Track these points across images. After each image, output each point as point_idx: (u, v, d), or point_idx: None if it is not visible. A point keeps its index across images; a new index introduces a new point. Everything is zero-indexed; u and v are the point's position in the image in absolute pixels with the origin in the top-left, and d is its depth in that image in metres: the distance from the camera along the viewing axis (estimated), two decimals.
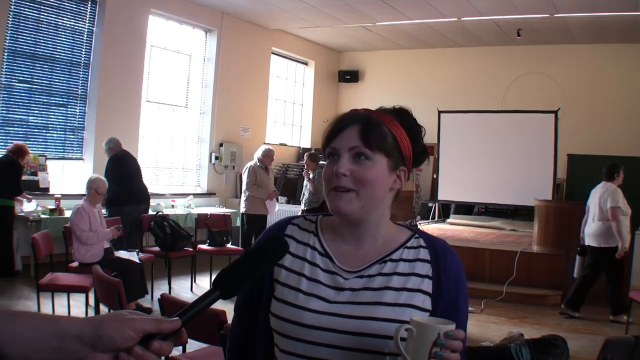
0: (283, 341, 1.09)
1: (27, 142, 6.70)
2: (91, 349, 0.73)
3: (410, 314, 1.06)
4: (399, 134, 1.13)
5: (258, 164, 7.04)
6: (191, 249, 6.15)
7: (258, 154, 7.09)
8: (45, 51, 6.89)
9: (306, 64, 11.75)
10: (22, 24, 6.65)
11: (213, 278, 0.86)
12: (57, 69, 7.05)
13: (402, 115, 1.17)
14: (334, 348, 1.04)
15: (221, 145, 9.31)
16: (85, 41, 7.29)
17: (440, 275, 1.11)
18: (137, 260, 4.99)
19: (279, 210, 8.70)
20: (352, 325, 1.04)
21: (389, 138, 1.11)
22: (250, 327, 1.19)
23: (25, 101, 6.81)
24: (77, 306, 4.93)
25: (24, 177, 6.30)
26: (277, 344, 1.11)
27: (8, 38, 6.48)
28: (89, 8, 7.28)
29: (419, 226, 7.40)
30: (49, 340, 0.72)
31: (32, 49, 6.77)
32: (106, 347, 0.73)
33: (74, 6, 7.13)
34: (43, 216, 6.22)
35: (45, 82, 6.95)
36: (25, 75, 6.76)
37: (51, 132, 7.11)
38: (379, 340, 1.02)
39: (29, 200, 6.22)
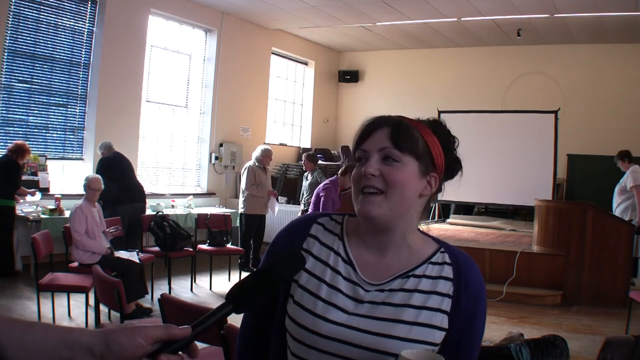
0: (296, 346, 1.08)
1: (27, 142, 6.69)
2: None
3: (426, 333, 1.04)
4: (431, 140, 1.11)
5: (257, 164, 7.03)
6: (191, 249, 6.15)
7: (256, 153, 7.09)
8: (45, 51, 6.89)
9: (306, 64, 11.75)
10: (22, 24, 6.64)
11: (222, 286, 0.85)
12: (57, 69, 7.05)
13: (435, 125, 1.16)
14: None
15: (221, 145, 9.31)
16: (85, 41, 7.29)
17: (460, 293, 1.09)
18: (137, 260, 4.99)
19: (280, 210, 8.71)
20: (369, 341, 1.03)
21: (420, 142, 1.09)
22: (262, 328, 1.18)
23: (25, 101, 6.80)
24: (77, 306, 4.93)
25: (24, 177, 6.30)
26: (289, 347, 1.10)
27: (8, 38, 6.48)
28: (89, 8, 7.27)
29: (418, 226, 7.39)
30: (60, 350, 0.72)
31: (32, 49, 6.77)
32: (116, 357, 0.72)
33: (74, 6, 7.13)
34: (43, 216, 6.22)
35: (45, 82, 6.95)
36: (25, 75, 6.76)
37: (51, 132, 7.11)
38: (393, 358, 1.01)
39: (33, 194, 6.21)
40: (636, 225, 6.46)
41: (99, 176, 5.09)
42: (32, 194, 6.22)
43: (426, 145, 1.10)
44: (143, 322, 0.79)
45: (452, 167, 1.17)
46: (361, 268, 1.11)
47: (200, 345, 2.81)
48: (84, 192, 5.03)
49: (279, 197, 9.19)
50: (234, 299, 0.85)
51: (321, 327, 1.05)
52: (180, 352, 0.77)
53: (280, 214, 8.70)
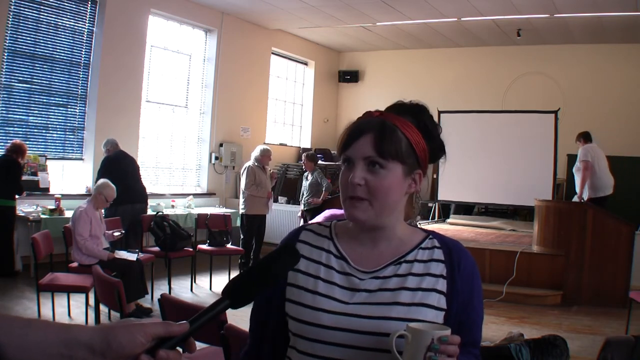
0: (302, 343, 1.11)
1: (27, 142, 6.69)
2: (101, 357, 0.72)
3: (425, 313, 1.08)
4: (414, 137, 1.13)
5: (256, 164, 7.02)
6: (191, 249, 6.14)
7: (255, 153, 7.07)
8: (45, 51, 6.89)
9: (306, 64, 11.75)
10: (22, 24, 6.64)
11: (222, 286, 0.86)
12: (57, 69, 7.05)
13: (419, 114, 1.17)
14: (352, 348, 1.06)
15: (221, 145, 9.31)
16: (85, 41, 7.29)
17: (455, 275, 1.13)
18: (137, 260, 4.98)
19: (280, 210, 8.71)
20: (369, 325, 1.06)
21: (403, 144, 1.11)
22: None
23: (25, 101, 6.80)
24: (77, 306, 4.93)
25: (24, 177, 6.29)
26: (295, 346, 1.13)
27: (8, 38, 6.48)
28: (89, 8, 7.27)
29: (418, 226, 7.39)
30: (59, 348, 0.72)
31: (32, 49, 6.77)
32: (116, 355, 0.73)
33: (74, 6, 7.13)
34: (43, 216, 6.22)
35: (45, 82, 6.94)
36: (25, 75, 6.76)
37: (51, 132, 7.10)
38: (401, 340, 1.03)
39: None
40: (577, 200, 6.94)
41: (114, 187, 5.06)
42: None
43: (410, 144, 1.12)
44: (143, 319, 0.80)
45: (436, 153, 1.19)
46: (354, 260, 1.15)
47: (200, 345, 2.81)
48: (86, 193, 5.01)
49: (280, 197, 9.20)
50: (231, 294, 0.85)
51: (321, 319, 1.08)
52: (177, 347, 0.78)
53: (281, 213, 8.71)
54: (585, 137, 7.26)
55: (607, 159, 7.40)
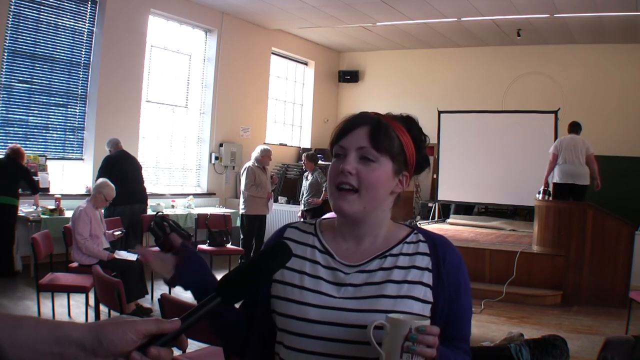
0: (289, 338, 1.11)
1: (27, 142, 6.71)
2: (92, 355, 0.72)
3: (411, 305, 1.08)
4: (406, 140, 1.16)
5: (256, 164, 7.02)
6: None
7: (256, 154, 7.08)
8: (45, 51, 6.89)
9: (306, 64, 11.75)
10: (22, 24, 6.64)
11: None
12: (57, 69, 7.05)
13: (410, 123, 1.20)
14: (338, 342, 1.07)
15: (221, 145, 9.31)
16: (85, 41, 7.29)
17: (440, 268, 1.13)
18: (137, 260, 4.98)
19: (280, 210, 8.71)
20: (355, 318, 1.07)
21: (395, 143, 1.14)
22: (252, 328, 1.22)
23: (25, 101, 6.80)
24: (77, 306, 4.93)
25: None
26: (282, 342, 1.13)
27: (8, 38, 6.48)
28: (89, 8, 7.27)
29: (419, 226, 7.38)
30: (50, 345, 0.72)
31: (32, 49, 6.77)
32: (107, 352, 0.72)
33: (74, 6, 7.13)
34: (43, 216, 6.22)
35: (45, 82, 6.94)
36: (25, 75, 6.76)
37: (51, 132, 7.10)
38: (382, 332, 1.03)
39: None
40: (542, 188, 7.02)
41: (113, 187, 5.06)
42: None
43: (401, 145, 1.15)
44: (134, 317, 0.80)
45: (422, 165, 1.21)
46: (338, 255, 1.16)
47: (200, 345, 2.81)
48: (86, 193, 5.02)
49: (280, 197, 9.20)
50: (222, 291, 0.86)
51: (307, 313, 1.09)
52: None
53: (281, 213, 8.71)
54: (570, 128, 7.19)
55: (607, 159, 7.39)
